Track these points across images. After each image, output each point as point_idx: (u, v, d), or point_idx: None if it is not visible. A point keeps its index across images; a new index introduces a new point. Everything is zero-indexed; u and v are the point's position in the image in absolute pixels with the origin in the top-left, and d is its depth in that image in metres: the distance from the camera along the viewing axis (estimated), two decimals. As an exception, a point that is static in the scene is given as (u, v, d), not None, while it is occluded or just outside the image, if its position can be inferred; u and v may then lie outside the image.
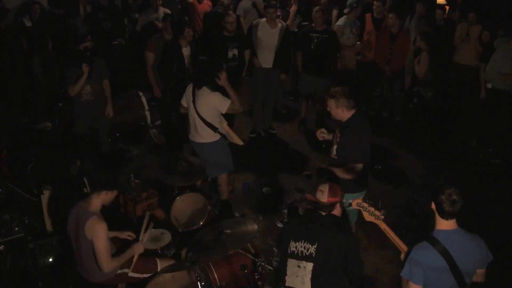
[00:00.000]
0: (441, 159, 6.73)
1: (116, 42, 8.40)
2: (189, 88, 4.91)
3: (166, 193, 4.93)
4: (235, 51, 6.40)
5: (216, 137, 4.91)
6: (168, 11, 7.90)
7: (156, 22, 7.77)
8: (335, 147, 4.17)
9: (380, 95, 8.20)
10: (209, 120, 4.80)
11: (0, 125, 6.62)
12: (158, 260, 3.93)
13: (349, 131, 4.04)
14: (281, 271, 3.37)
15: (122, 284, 3.90)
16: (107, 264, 3.53)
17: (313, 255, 3.19)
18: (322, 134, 4.42)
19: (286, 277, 3.29)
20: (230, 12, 6.69)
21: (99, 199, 3.60)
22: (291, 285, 3.27)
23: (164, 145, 6.88)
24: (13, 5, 8.07)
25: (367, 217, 3.19)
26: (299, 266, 3.24)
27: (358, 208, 3.22)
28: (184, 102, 5.00)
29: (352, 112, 4.06)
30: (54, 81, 8.13)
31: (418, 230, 5.09)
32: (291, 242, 3.29)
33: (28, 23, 7.85)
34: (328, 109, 4.14)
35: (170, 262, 3.96)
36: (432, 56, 6.54)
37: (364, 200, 3.23)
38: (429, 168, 6.56)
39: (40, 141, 6.38)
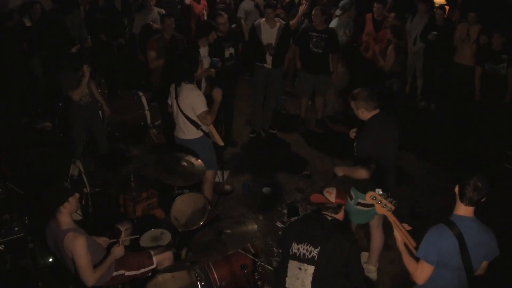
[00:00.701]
0: (441, 160, 6.73)
1: (113, 43, 8.38)
2: (173, 85, 4.96)
3: (166, 193, 4.93)
4: (232, 50, 6.41)
5: (199, 134, 4.93)
6: (163, 11, 7.89)
7: (151, 22, 7.76)
8: (355, 144, 4.21)
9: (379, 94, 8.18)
10: (191, 116, 4.83)
11: (0, 125, 6.62)
12: (152, 252, 3.93)
13: (365, 130, 4.07)
14: (281, 272, 3.36)
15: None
16: (90, 278, 3.47)
17: (315, 258, 3.18)
18: (354, 134, 4.42)
19: (287, 279, 3.29)
20: (221, 12, 6.68)
21: (64, 214, 3.47)
22: (291, 287, 3.26)
23: (164, 145, 6.88)
24: (13, 5, 8.07)
25: (379, 209, 3.20)
26: (300, 268, 3.23)
27: (372, 201, 3.22)
28: (169, 101, 5.07)
29: (374, 113, 4.05)
30: (54, 81, 8.13)
31: (418, 230, 5.05)
32: (293, 244, 3.29)
33: (28, 23, 7.85)
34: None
35: (165, 253, 3.97)
36: (398, 49, 6.68)
37: (376, 191, 3.23)
38: (429, 168, 6.56)
39: (40, 141, 6.38)
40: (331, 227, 3.26)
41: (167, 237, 4.26)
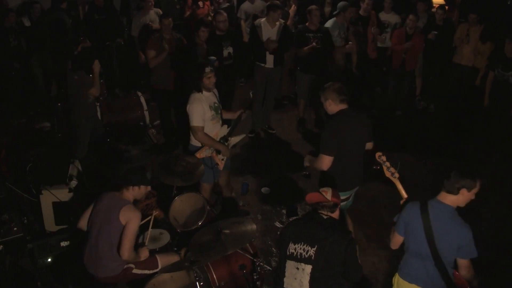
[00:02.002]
0: (441, 160, 6.72)
1: (109, 43, 8.36)
2: None
3: (165, 193, 4.93)
4: (230, 49, 6.41)
5: (198, 143, 4.87)
6: (160, 11, 7.88)
7: (150, 23, 7.75)
8: None
9: (384, 92, 8.19)
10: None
11: (-1, 125, 6.62)
12: (158, 257, 3.95)
13: (329, 124, 4.12)
14: (279, 272, 3.36)
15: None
16: (129, 251, 3.61)
17: (312, 258, 3.19)
18: None
19: (285, 279, 3.29)
20: (221, 11, 6.68)
21: (129, 193, 3.75)
22: (289, 287, 3.26)
23: (163, 145, 6.89)
24: (13, 5, 8.07)
25: (386, 172, 3.49)
26: (297, 268, 3.23)
27: (379, 160, 3.44)
28: None
29: (342, 107, 4.09)
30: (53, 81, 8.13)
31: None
32: (290, 244, 3.29)
33: (27, 23, 7.85)
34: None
35: (170, 256, 3.99)
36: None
37: (384, 154, 3.49)
38: (429, 168, 6.56)
39: (39, 141, 6.38)
40: (327, 226, 3.26)
41: (166, 237, 4.26)
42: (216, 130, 4.84)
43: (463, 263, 3.08)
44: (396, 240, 3.33)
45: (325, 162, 4.02)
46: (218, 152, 4.87)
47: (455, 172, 3.08)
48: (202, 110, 4.69)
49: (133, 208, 3.68)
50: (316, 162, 4.11)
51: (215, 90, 4.95)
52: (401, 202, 3.49)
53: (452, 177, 3.08)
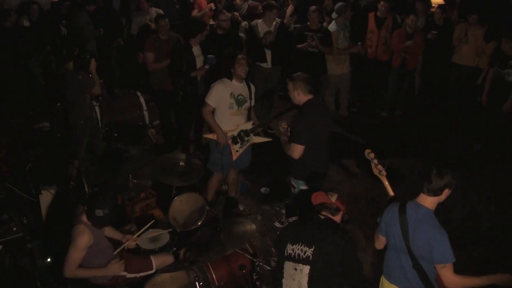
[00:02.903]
0: (441, 160, 6.71)
1: (109, 43, 8.35)
2: None
3: (164, 193, 4.93)
4: (231, 49, 6.40)
5: (214, 136, 4.92)
6: (160, 11, 7.88)
7: (149, 23, 7.76)
8: (289, 129, 4.33)
9: (384, 92, 8.19)
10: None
11: (-2, 125, 6.61)
12: (152, 258, 3.95)
13: (301, 114, 4.20)
14: (278, 273, 3.36)
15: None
16: (69, 271, 3.52)
17: (310, 258, 3.18)
18: (284, 125, 4.45)
19: (283, 280, 3.28)
20: (224, 10, 6.68)
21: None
22: None
23: (162, 145, 6.88)
24: (12, 5, 8.07)
25: (374, 169, 3.49)
26: (295, 269, 3.23)
27: (367, 157, 3.48)
28: None
29: (309, 97, 4.20)
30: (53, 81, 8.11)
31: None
32: (288, 245, 3.29)
33: (26, 23, 7.85)
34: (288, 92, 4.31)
35: (164, 257, 3.99)
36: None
37: (373, 151, 3.50)
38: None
39: (38, 141, 6.38)
40: (325, 226, 3.26)
41: (165, 238, 4.26)
42: (238, 123, 4.92)
43: (439, 268, 3.01)
44: (380, 241, 3.35)
45: (297, 150, 4.13)
46: (235, 141, 4.94)
47: (435, 173, 3.01)
48: (219, 93, 4.80)
49: (82, 229, 3.49)
50: (288, 150, 4.22)
51: (252, 87, 5.04)
52: (388, 199, 3.47)
53: (433, 179, 3.01)
